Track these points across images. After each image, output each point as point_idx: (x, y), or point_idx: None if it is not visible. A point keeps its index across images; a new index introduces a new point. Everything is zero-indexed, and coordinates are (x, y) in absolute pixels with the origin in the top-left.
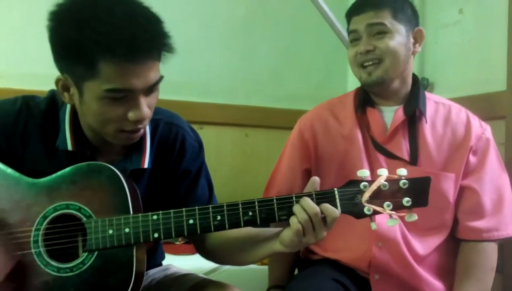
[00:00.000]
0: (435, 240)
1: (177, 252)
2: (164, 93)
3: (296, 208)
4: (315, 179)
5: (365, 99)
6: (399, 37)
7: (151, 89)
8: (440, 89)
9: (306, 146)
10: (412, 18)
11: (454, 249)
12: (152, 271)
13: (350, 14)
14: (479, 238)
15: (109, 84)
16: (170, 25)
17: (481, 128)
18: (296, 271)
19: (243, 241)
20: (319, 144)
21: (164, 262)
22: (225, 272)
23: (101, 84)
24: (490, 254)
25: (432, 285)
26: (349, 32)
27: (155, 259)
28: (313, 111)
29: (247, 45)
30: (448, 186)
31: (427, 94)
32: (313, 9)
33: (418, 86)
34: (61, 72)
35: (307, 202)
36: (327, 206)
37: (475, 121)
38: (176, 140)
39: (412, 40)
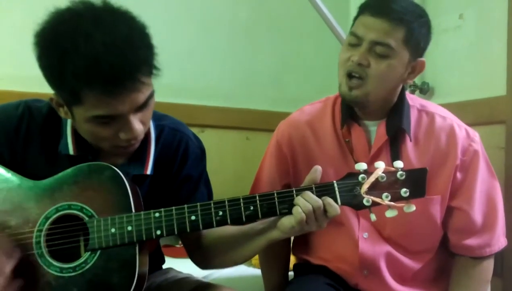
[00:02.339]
0: (426, 258)
1: (177, 255)
2: (166, 97)
3: (299, 200)
4: (318, 168)
5: (347, 113)
6: (398, 65)
7: (141, 107)
8: (440, 94)
9: (284, 161)
10: (421, 46)
11: (446, 257)
12: (152, 274)
13: (364, 8)
14: (472, 254)
15: (94, 111)
16: (172, 29)
17: (467, 139)
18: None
19: (238, 236)
20: (298, 161)
21: (164, 266)
22: (224, 275)
23: (87, 111)
24: (486, 267)
25: None
26: (352, 33)
27: (155, 263)
28: (291, 123)
29: (249, 49)
30: (435, 209)
31: (411, 99)
32: (314, 13)
33: (403, 98)
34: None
35: (310, 195)
36: (330, 202)
37: (461, 131)
38: (179, 147)
39: (409, 70)
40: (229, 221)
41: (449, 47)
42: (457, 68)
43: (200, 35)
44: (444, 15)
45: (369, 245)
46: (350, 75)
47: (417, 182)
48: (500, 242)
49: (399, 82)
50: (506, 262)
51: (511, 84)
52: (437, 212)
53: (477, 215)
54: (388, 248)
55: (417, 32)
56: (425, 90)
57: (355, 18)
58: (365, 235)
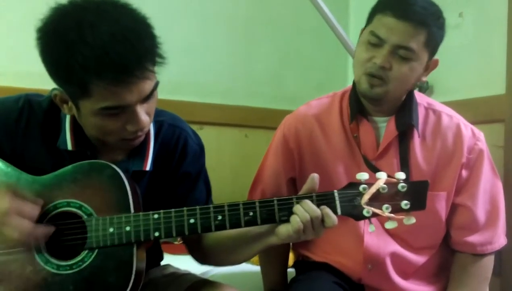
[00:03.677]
0: (429, 253)
1: (175, 251)
2: (164, 93)
3: (298, 209)
4: (314, 176)
5: (357, 108)
6: (418, 67)
7: (147, 98)
8: (440, 92)
9: (291, 155)
10: (438, 45)
11: (447, 253)
12: (150, 271)
13: (385, 8)
14: (473, 251)
15: (103, 102)
16: (171, 25)
17: (473, 139)
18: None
19: (236, 239)
20: (304, 156)
21: (162, 262)
22: (222, 272)
23: (95, 103)
24: (486, 264)
25: None
26: (374, 33)
27: (153, 259)
28: (298, 117)
29: (248, 46)
30: (440, 205)
31: (418, 97)
32: (313, 10)
33: (411, 95)
34: (57, 86)
35: (309, 204)
36: (328, 212)
37: (467, 131)
38: (178, 143)
39: (424, 68)
40: (228, 226)
41: (448, 46)
42: (456, 66)
43: (199, 32)
44: (444, 13)
45: (375, 240)
46: (370, 75)
47: (418, 194)
48: (501, 240)
49: (415, 81)
50: (504, 261)
51: (510, 83)
52: (442, 208)
53: (480, 212)
54: (393, 243)
55: (436, 34)
56: (424, 88)
57: (373, 14)
58: (371, 229)
